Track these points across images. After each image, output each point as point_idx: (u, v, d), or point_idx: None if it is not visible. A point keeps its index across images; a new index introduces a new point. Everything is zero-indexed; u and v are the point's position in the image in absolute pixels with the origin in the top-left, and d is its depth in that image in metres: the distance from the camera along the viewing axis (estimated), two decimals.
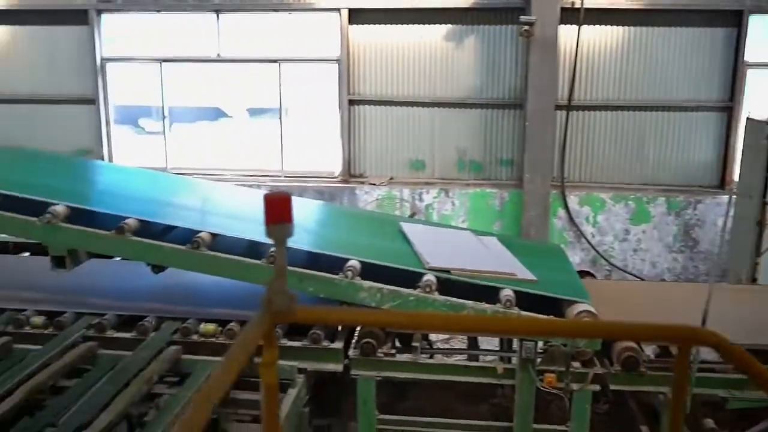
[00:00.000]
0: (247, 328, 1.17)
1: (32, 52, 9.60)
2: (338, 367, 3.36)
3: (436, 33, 8.60)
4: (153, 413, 2.69)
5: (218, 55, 9.06)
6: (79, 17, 9.30)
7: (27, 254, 4.50)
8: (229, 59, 9.09)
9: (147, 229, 3.39)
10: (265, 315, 1.17)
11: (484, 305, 3.23)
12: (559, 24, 7.70)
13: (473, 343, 4.17)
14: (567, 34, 8.02)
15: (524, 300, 3.27)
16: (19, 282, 3.87)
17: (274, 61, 8.98)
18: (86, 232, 3.28)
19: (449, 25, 8.56)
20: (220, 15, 8.97)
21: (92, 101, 9.43)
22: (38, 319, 3.39)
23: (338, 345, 3.37)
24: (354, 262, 3.33)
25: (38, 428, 2.49)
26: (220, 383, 1.07)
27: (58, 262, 3.38)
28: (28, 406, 2.74)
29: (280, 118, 9.13)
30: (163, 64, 9.28)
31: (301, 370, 3.27)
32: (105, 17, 9.34)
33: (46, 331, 3.34)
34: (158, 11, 9.12)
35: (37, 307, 3.51)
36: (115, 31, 9.48)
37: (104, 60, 9.37)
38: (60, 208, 3.31)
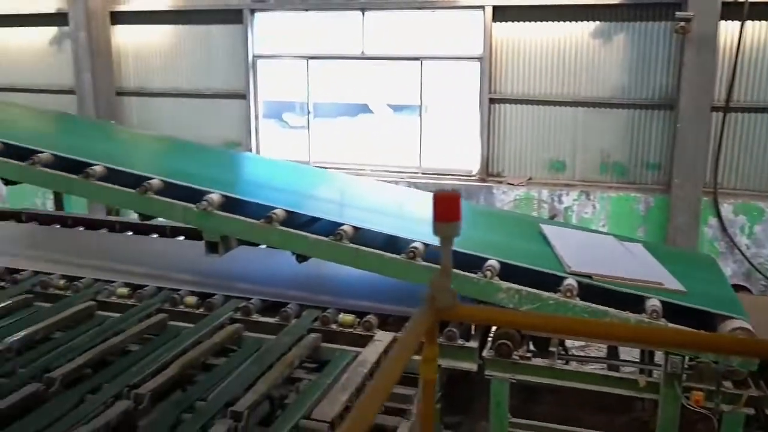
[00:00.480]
0: (410, 325, 1.19)
1: (192, 50, 10.24)
2: (472, 367, 3.34)
3: (583, 30, 8.34)
4: (293, 396, 2.80)
5: (362, 52, 9.25)
6: (235, 16, 9.81)
7: (182, 238, 4.80)
8: (373, 56, 9.26)
9: (293, 219, 3.52)
10: (428, 311, 1.18)
11: (627, 314, 3.11)
12: (719, 20, 7.25)
13: (613, 353, 4.01)
14: (727, 30, 7.52)
15: (671, 312, 3.11)
16: (175, 264, 4.14)
17: (416, 58, 9.05)
18: (238, 220, 3.46)
19: (597, 22, 8.26)
20: (365, 13, 9.14)
21: (243, 96, 9.92)
22: (191, 299, 3.61)
23: (473, 344, 3.35)
24: (493, 262, 3.30)
25: (190, 402, 2.66)
26: (386, 380, 1.09)
27: (212, 247, 3.58)
28: (181, 380, 2.93)
29: (420, 115, 9.20)
30: (310, 61, 9.59)
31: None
32: (258, 16, 9.78)
33: (197, 311, 3.56)
34: (306, 10, 9.44)
35: (191, 288, 3.74)
36: (265, 30, 9.91)
37: (255, 57, 9.83)
38: (215, 197, 3.52)
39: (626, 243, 4.13)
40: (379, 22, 9.22)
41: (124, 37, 10.70)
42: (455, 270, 3.30)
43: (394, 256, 3.35)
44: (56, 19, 11.05)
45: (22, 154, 3.98)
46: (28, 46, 11.68)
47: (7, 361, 3.00)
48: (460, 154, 9.23)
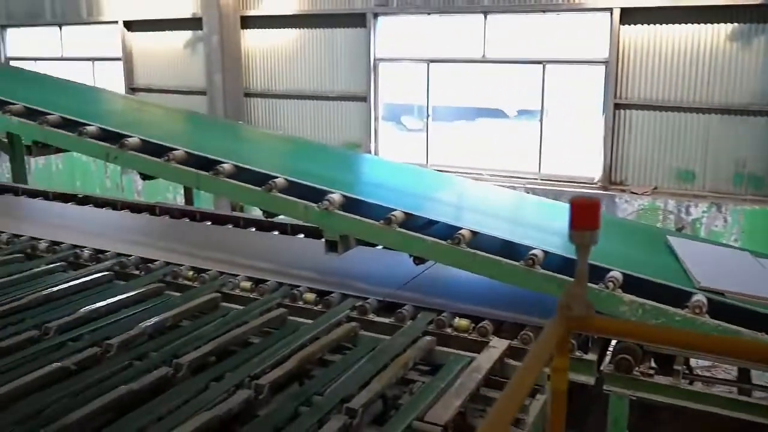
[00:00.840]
0: (543, 335, 1.16)
1: (316, 53, 10.53)
2: (590, 380, 3.23)
3: (719, 32, 7.92)
4: (407, 397, 2.81)
5: (483, 55, 9.19)
6: (358, 20, 10.01)
7: (302, 236, 4.94)
8: (494, 60, 9.18)
9: (411, 221, 3.55)
10: (561, 321, 1.16)
11: (763, 335, 2.91)
12: None
13: (744, 377, 3.77)
14: None
15: None
16: (296, 261, 4.26)
17: (539, 62, 8.90)
18: (357, 220, 3.52)
19: (736, 24, 7.81)
20: (487, 16, 9.08)
21: (364, 99, 10.10)
22: (310, 296, 3.71)
23: (592, 357, 3.24)
24: (616, 273, 3.18)
25: (307, 395, 2.73)
26: (518, 391, 1.07)
27: (331, 246, 3.67)
28: (298, 374, 3.01)
29: (541, 120, 9.04)
30: (430, 64, 9.62)
31: (549, 377, 3.19)
32: (381, 20, 9.92)
33: (316, 308, 3.65)
34: (428, 14, 9.49)
35: (310, 285, 3.84)
36: (387, 33, 10.05)
37: (377, 60, 9.98)
38: (336, 197, 3.60)
39: (762, 260, 3.88)
40: (502, 25, 9.13)
41: (252, 40, 11.15)
42: (565, 277, 3.21)
43: (512, 262, 3.30)
44: (191, 23, 11.69)
45: (158, 150, 4.23)
46: (165, 50, 12.41)
47: (140, 345, 3.19)
48: (581, 161, 8.98)
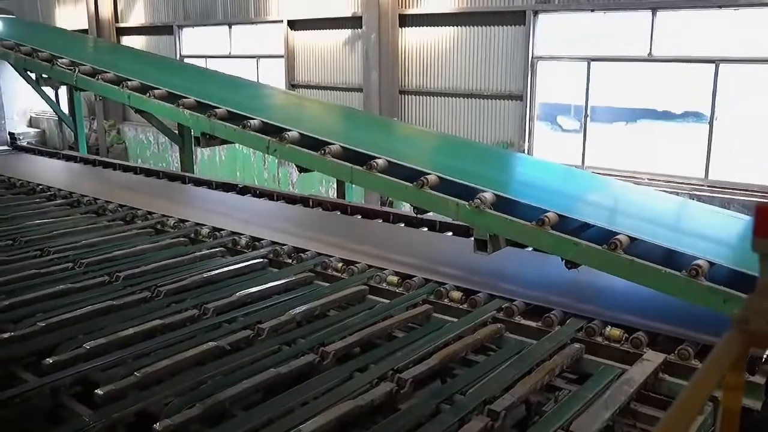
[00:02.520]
0: (717, 351, 1.05)
1: (472, 51, 10.46)
2: (755, 404, 2.96)
3: None
4: (552, 405, 2.71)
5: (650, 54, 8.72)
6: (517, 18, 9.83)
7: (450, 234, 4.91)
8: (662, 59, 8.69)
9: (564, 224, 3.41)
10: (739, 336, 1.04)
11: None
12: None
13: None
14: None
15: None
16: (443, 258, 4.24)
17: (711, 61, 8.31)
18: (509, 220, 3.44)
19: None
20: (656, 12, 8.60)
21: (519, 98, 9.90)
22: (456, 294, 3.67)
23: (759, 379, 2.97)
24: None
25: (449, 394, 2.69)
26: (686, 410, 0.97)
27: (480, 245, 3.61)
28: (441, 372, 2.98)
29: (711, 123, 8.43)
30: (591, 62, 9.27)
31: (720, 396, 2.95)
32: (541, 17, 9.69)
33: (461, 306, 3.60)
34: (592, 10, 9.14)
35: (456, 283, 3.80)
36: (547, 31, 9.79)
37: (535, 58, 9.75)
38: (488, 195, 3.53)
39: None
40: (671, 21, 8.61)
41: (409, 38, 11.27)
42: (731, 290, 2.95)
43: (672, 272, 3.08)
44: (351, 22, 12.00)
45: (315, 144, 4.36)
46: (325, 48, 12.83)
47: (289, 331, 3.29)
48: (756, 168, 8.29)
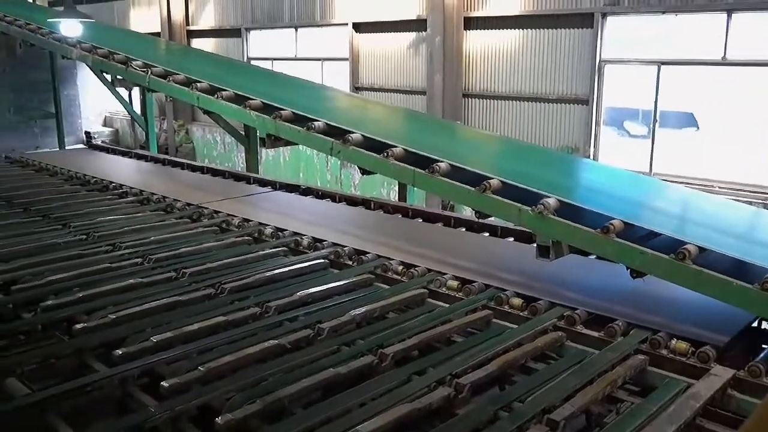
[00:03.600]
0: None
1: (537, 55, 10.34)
2: None
3: None
4: (613, 417, 2.65)
5: (723, 57, 8.45)
6: (584, 21, 9.67)
7: (512, 239, 4.87)
8: (737, 62, 8.40)
9: (630, 232, 3.34)
10: None
11: None
12: None
13: None
14: None
15: None
16: (504, 264, 4.20)
17: None
18: (573, 227, 3.38)
19: None
20: (732, 15, 8.33)
21: (585, 102, 9.73)
22: (517, 301, 3.63)
23: None
24: None
25: (508, 401, 2.67)
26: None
27: (542, 252, 3.56)
28: (499, 378, 2.96)
29: None
30: (661, 66, 9.05)
31: None
32: (609, 20, 9.51)
33: (521, 313, 3.56)
34: (663, 12, 8.92)
35: (517, 289, 3.76)
36: (615, 33, 9.60)
37: (602, 62, 9.57)
38: (552, 201, 3.48)
39: None
40: (748, 24, 8.32)
41: (474, 41, 11.22)
42: None
43: (744, 284, 2.98)
44: (415, 25, 12.02)
45: (378, 147, 4.38)
46: (389, 51, 12.89)
47: (348, 332, 3.32)
48: None
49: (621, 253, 3.26)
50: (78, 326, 3.28)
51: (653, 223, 3.49)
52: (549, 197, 3.52)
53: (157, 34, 17.68)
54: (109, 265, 4.23)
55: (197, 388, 2.71)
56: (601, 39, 9.50)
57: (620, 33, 9.53)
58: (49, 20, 9.20)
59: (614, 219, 3.33)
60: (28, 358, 2.97)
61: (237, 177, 7.17)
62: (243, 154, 8.25)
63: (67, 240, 4.80)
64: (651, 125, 9.38)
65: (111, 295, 3.73)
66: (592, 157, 9.74)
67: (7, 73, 15.50)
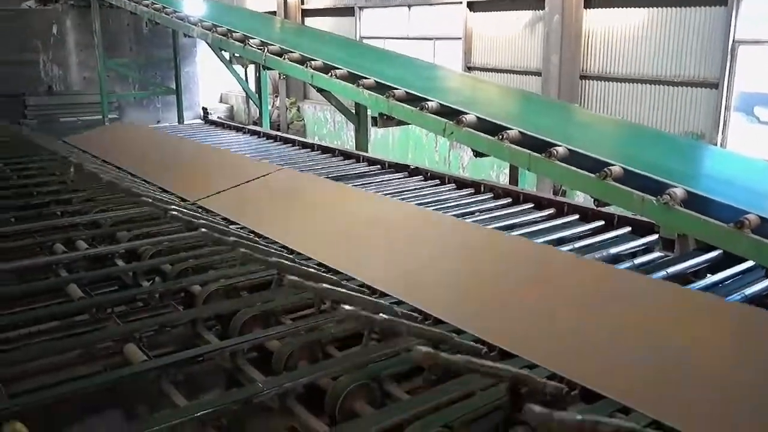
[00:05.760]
0: None
1: (663, 35, 9.80)
2: None
3: None
4: None
5: None
6: None
7: (628, 229, 4.62)
8: None
9: (766, 227, 3.08)
10: None
11: None
12: None
13: None
14: None
15: None
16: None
17: None
18: (702, 220, 3.15)
19: None
20: None
21: (714, 85, 9.15)
22: None
23: None
24: None
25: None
26: None
27: (666, 245, 3.35)
28: None
29: None
30: None
31: None
32: None
33: None
34: None
35: None
36: (753, 11, 8.94)
37: (736, 42, 8.94)
38: (678, 191, 3.26)
39: None
40: None
41: (594, 20, 10.77)
42: None
43: None
44: (533, 3, 11.65)
45: (493, 129, 4.25)
46: (503, 30, 12.57)
47: None
48: None
49: (757, 250, 3.00)
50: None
51: None
52: (676, 187, 3.29)
53: (273, 13, 18.04)
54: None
55: (305, 367, 2.70)
56: (735, 17, 8.86)
57: (760, 11, 8.85)
58: None
59: (749, 213, 3.07)
60: (144, 325, 3.06)
61: (346, 155, 7.19)
62: (352, 133, 8.26)
63: None
64: None
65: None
66: (719, 144, 9.16)
67: (134, 51, 16.26)
